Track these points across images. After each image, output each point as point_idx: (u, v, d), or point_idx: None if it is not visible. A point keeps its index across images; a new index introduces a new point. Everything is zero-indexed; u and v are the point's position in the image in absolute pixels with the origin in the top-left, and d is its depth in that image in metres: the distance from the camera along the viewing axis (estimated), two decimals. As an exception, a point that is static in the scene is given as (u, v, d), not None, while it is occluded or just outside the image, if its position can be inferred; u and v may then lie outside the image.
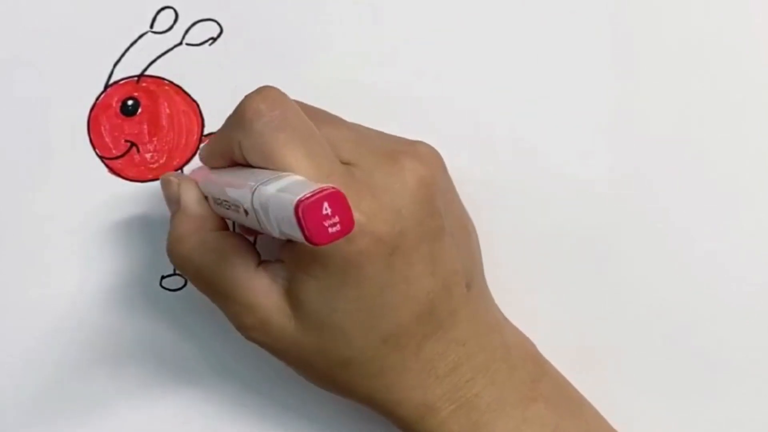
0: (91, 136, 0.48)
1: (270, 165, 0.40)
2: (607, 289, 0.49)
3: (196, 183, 0.44)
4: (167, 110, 0.48)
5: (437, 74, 0.48)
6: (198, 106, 0.48)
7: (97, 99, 0.48)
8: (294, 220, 0.34)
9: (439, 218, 0.42)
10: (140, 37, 0.48)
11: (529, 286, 0.47)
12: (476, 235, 0.46)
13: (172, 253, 0.43)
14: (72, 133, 0.48)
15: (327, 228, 0.35)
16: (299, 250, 0.41)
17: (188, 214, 0.43)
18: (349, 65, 0.48)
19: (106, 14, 0.48)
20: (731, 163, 0.48)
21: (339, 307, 0.41)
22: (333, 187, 0.35)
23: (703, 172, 0.48)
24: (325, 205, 0.34)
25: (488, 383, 0.43)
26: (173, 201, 0.44)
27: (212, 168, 0.44)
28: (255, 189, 0.38)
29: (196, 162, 0.48)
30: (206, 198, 0.44)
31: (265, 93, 0.41)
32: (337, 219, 0.35)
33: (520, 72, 0.48)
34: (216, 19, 0.48)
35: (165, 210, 0.48)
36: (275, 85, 0.41)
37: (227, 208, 0.41)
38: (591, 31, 0.48)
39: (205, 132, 0.48)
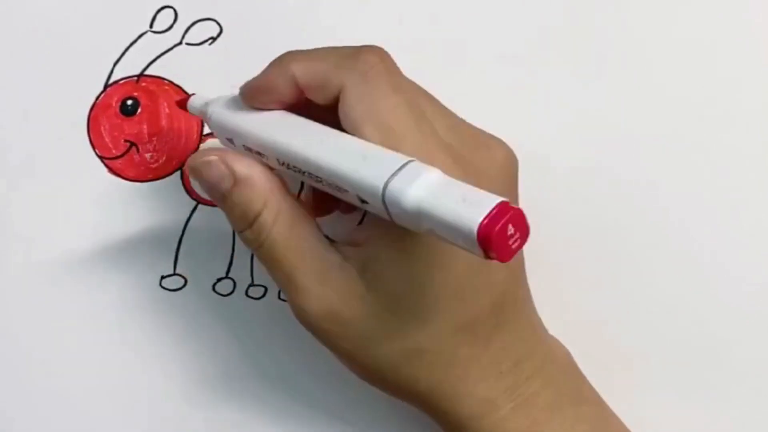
0: (91, 136, 0.48)
1: (377, 125, 0.38)
2: (605, 289, 0.49)
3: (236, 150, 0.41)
4: (167, 110, 0.48)
5: (436, 73, 0.48)
6: (198, 106, 0.48)
7: (97, 99, 0.48)
8: (475, 243, 0.34)
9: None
10: (140, 36, 0.48)
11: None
12: None
13: (249, 235, 0.40)
14: (72, 133, 0.48)
15: (510, 246, 0.34)
16: (384, 227, 0.38)
17: (253, 185, 0.40)
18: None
19: (106, 14, 0.48)
20: (731, 164, 0.48)
21: (424, 290, 0.39)
22: (508, 203, 0.34)
23: (703, 172, 0.48)
24: (510, 226, 0.34)
25: (544, 383, 0.43)
26: (224, 178, 0.40)
27: (255, 108, 0.41)
28: (386, 187, 0.36)
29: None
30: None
31: (382, 52, 0.40)
32: (518, 235, 0.34)
33: (520, 72, 0.48)
34: (216, 18, 0.48)
35: (165, 210, 0.48)
36: None
37: (317, 181, 0.38)
38: (592, 30, 0.48)
39: (205, 132, 0.48)
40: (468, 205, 0.34)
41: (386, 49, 0.47)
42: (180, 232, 0.49)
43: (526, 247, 0.46)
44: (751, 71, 0.48)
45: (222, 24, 0.48)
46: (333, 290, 0.40)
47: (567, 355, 0.45)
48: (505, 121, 0.48)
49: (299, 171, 0.39)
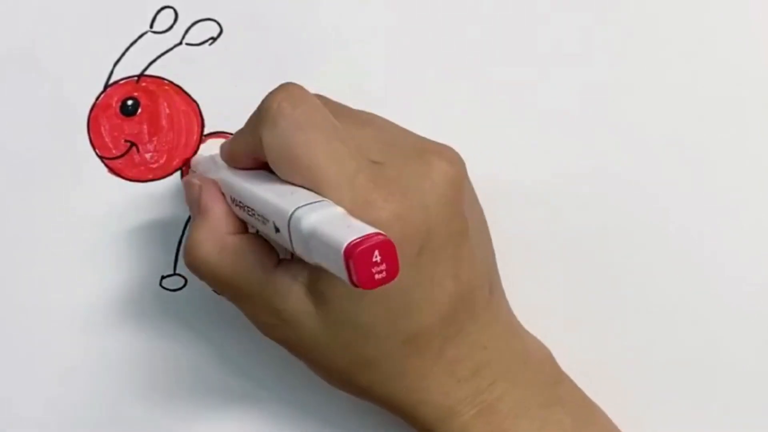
0: (91, 136, 0.48)
1: (292, 166, 0.39)
2: (605, 290, 0.49)
3: (216, 184, 0.44)
4: (167, 110, 0.48)
5: (436, 73, 0.48)
6: (198, 106, 0.48)
7: (97, 99, 0.48)
8: (341, 263, 0.35)
9: (464, 220, 0.42)
10: (140, 37, 0.48)
11: (525, 288, 0.47)
12: (491, 240, 0.46)
13: (189, 256, 0.42)
14: (72, 133, 0.48)
15: (374, 274, 0.35)
16: None
17: (208, 218, 0.43)
18: (349, 65, 0.48)
19: (106, 14, 0.48)
20: (732, 164, 0.48)
21: (364, 305, 0.40)
22: (382, 234, 0.35)
23: (703, 172, 0.48)
24: (376, 252, 0.35)
25: (509, 387, 0.43)
26: (194, 204, 0.44)
27: (234, 168, 0.44)
28: (293, 213, 0.38)
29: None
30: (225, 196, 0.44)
31: (287, 90, 0.40)
32: (384, 266, 0.35)
33: (522, 72, 0.48)
34: (216, 19, 0.48)
35: (165, 210, 0.48)
36: (285, 81, 0.41)
37: (250, 215, 0.41)
38: (594, 31, 0.48)
39: (205, 132, 0.48)
40: (346, 230, 0.36)
41: (386, 49, 0.48)
42: (180, 232, 0.49)
43: (519, 246, 0.47)
44: (750, 71, 0.48)
45: (222, 24, 0.48)
46: (283, 309, 0.41)
47: (544, 356, 0.45)
48: (502, 121, 0.48)
49: (240, 206, 0.42)
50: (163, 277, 0.49)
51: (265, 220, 0.40)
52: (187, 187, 0.45)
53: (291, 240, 0.38)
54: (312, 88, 0.43)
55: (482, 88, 0.48)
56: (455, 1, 0.48)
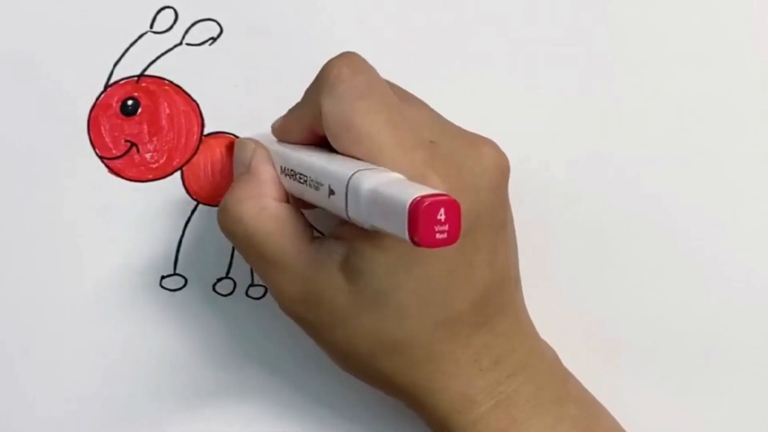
0: (91, 136, 0.48)
1: (350, 133, 0.39)
2: (606, 289, 0.49)
3: (269, 152, 0.43)
4: (167, 110, 0.48)
5: (437, 73, 0.48)
6: (198, 106, 0.48)
7: (97, 99, 0.48)
8: (404, 219, 0.35)
9: (507, 210, 0.42)
10: (140, 37, 0.48)
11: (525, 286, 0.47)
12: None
13: (226, 213, 0.42)
14: (72, 133, 0.48)
15: (436, 233, 0.35)
16: None
17: (255, 178, 0.42)
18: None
19: (106, 14, 0.48)
20: (733, 164, 0.48)
21: (402, 285, 0.40)
22: (448, 195, 0.35)
23: (704, 172, 0.48)
24: (442, 210, 0.35)
25: (525, 381, 0.43)
26: (243, 164, 0.43)
27: (284, 142, 0.44)
28: (353, 174, 0.37)
29: (197, 161, 0.48)
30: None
31: (348, 57, 0.40)
32: (447, 227, 0.35)
33: (523, 72, 0.48)
34: (216, 19, 0.48)
35: (165, 210, 0.49)
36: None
37: (301, 182, 0.41)
38: (594, 31, 0.48)
39: (205, 132, 0.48)
40: (411, 189, 0.35)
41: (386, 49, 0.48)
42: (180, 232, 0.49)
43: (523, 244, 0.47)
44: (750, 72, 0.48)
45: (222, 24, 0.48)
46: (314, 283, 0.41)
47: (554, 356, 0.46)
48: (505, 121, 0.48)
49: (291, 174, 0.41)
50: (163, 277, 0.49)
51: (318, 185, 0.40)
52: (240, 146, 0.44)
53: (347, 202, 0.38)
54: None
55: (486, 88, 0.48)
56: (456, 0, 0.48)
